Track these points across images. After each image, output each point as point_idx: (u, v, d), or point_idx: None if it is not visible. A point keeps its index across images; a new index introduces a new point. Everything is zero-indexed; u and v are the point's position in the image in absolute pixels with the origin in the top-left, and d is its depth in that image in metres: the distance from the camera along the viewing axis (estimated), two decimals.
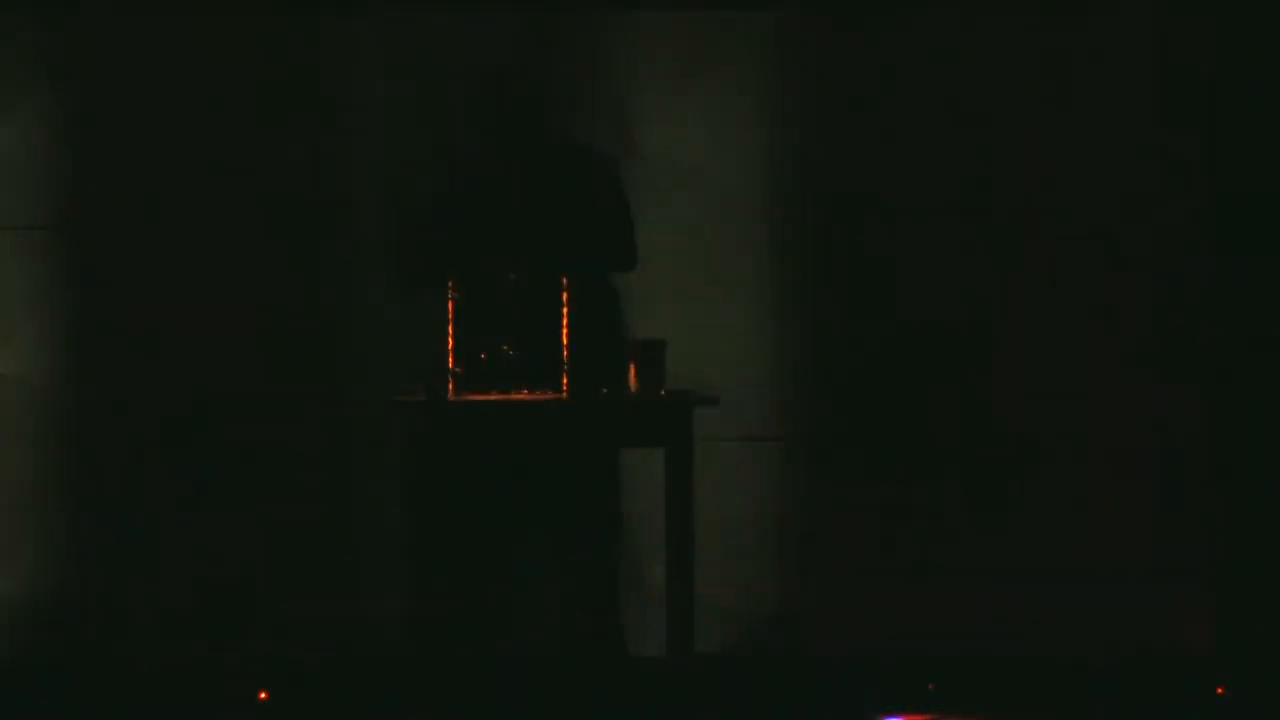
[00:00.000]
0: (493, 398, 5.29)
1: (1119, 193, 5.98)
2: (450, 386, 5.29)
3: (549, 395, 5.31)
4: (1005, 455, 5.97)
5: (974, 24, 5.95)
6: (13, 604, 5.88)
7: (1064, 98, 5.96)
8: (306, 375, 5.92)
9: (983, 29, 5.96)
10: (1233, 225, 5.95)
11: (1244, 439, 5.96)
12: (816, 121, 5.99)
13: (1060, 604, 5.93)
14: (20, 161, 5.91)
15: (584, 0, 5.96)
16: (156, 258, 5.92)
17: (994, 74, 5.96)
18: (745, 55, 5.98)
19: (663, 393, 5.35)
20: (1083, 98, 5.97)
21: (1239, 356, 5.96)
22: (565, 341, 5.33)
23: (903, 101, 5.95)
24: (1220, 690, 5.59)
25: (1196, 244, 5.98)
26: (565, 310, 5.33)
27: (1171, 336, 5.98)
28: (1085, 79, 5.97)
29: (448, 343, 5.30)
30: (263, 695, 5.11)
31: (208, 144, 5.92)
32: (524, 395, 5.31)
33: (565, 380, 5.32)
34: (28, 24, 5.86)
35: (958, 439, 5.97)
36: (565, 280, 5.34)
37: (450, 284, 5.30)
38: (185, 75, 5.83)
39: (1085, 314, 5.97)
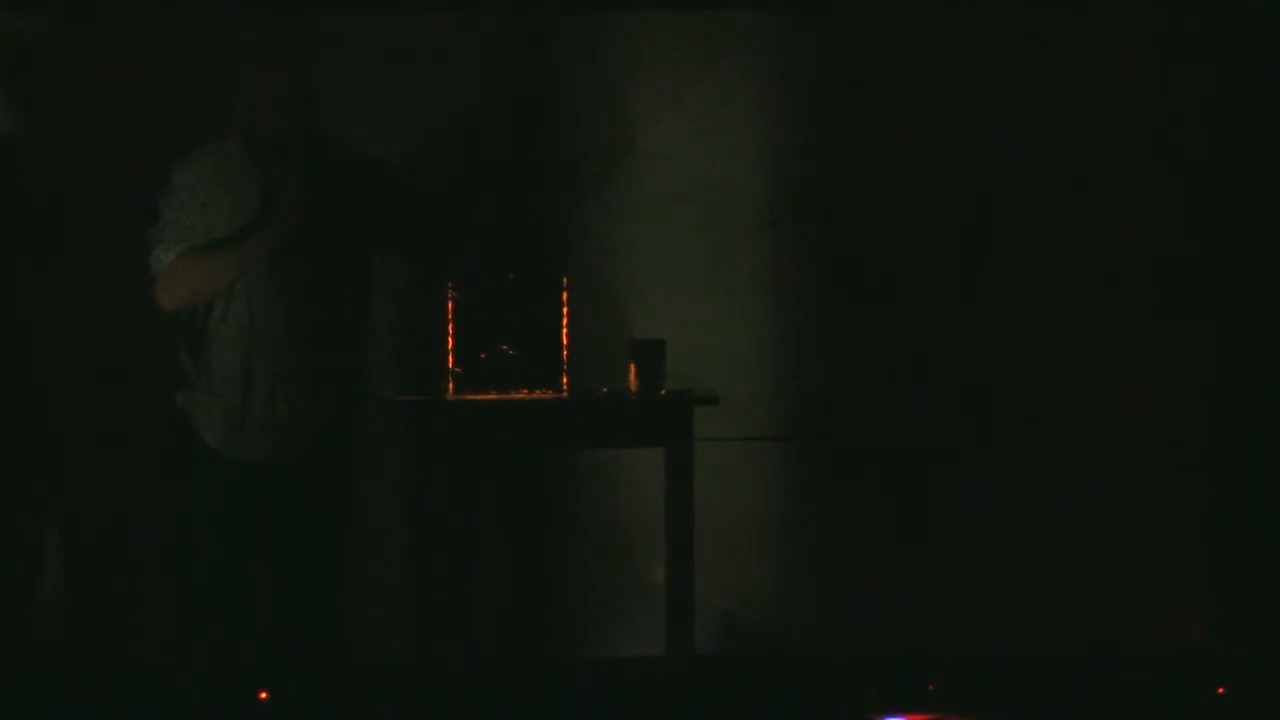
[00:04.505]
0: (493, 397, 5.30)
1: (1119, 192, 5.98)
2: (450, 386, 5.30)
3: (549, 395, 5.32)
4: (1005, 454, 5.97)
5: (974, 23, 5.96)
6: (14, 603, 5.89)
7: (1065, 97, 5.96)
8: None
9: (983, 28, 5.96)
10: (1233, 225, 5.96)
11: (1244, 439, 5.96)
12: (816, 121, 5.99)
13: (1060, 604, 5.93)
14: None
15: (584, 0, 5.96)
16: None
17: (995, 73, 5.96)
18: (745, 55, 5.98)
19: (663, 392, 5.36)
20: (1083, 96, 5.97)
21: (1239, 356, 5.96)
22: (565, 341, 5.33)
23: (903, 101, 5.95)
24: (1220, 690, 5.59)
25: (1197, 242, 5.98)
26: (565, 310, 5.34)
27: (1171, 336, 5.99)
28: (1086, 78, 5.97)
29: (447, 343, 5.32)
30: (263, 695, 5.10)
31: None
32: (523, 395, 5.32)
33: (565, 380, 5.33)
34: (27, 22, 5.87)
35: (958, 439, 5.97)
36: (565, 280, 5.35)
37: (450, 284, 5.32)
38: (185, 74, 5.81)
39: (1086, 313, 5.98)
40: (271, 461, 4.94)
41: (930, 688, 5.56)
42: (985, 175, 5.97)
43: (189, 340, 4.95)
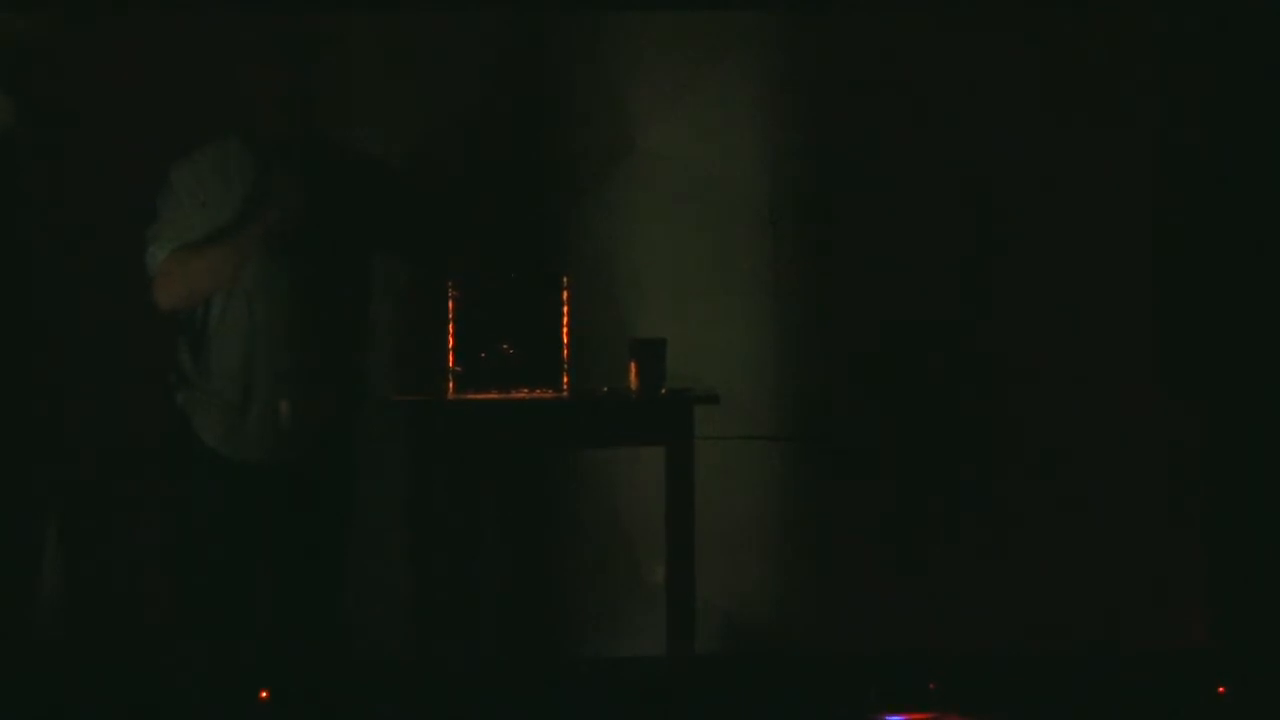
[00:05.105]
0: (493, 397, 5.30)
1: (1119, 191, 5.98)
2: (450, 386, 5.30)
3: (549, 394, 5.32)
4: (1006, 454, 5.97)
5: (974, 23, 5.96)
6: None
7: (1065, 97, 5.96)
8: None
9: (983, 28, 5.96)
10: (1233, 225, 5.96)
11: (1244, 439, 5.96)
12: (816, 121, 5.99)
13: (1060, 604, 5.93)
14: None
15: (584, 0, 5.96)
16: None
17: (995, 73, 5.96)
18: (745, 55, 5.98)
19: (663, 392, 5.36)
20: (1084, 96, 5.97)
21: (1239, 357, 5.96)
22: (565, 340, 5.33)
23: (903, 101, 5.95)
24: (1220, 690, 5.59)
25: (1197, 244, 5.98)
26: (565, 309, 5.34)
27: (1172, 336, 5.99)
28: (1087, 78, 5.97)
29: (448, 342, 5.32)
30: (263, 695, 5.11)
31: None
32: (524, 395, 5.32)
33: (565, 379, 5.33)
34: (27, 22, 5.87)
35: (958, 438, 5.97)
36: (565, 280, 5.35)
37: (450, 284, 5.32)
38: (185, 74, 5.81)
39: (1085, 313, 5.98)
40: (271, 461, 4.94)
41: (930, 687, 5.56)
42: (985, 175, 5.97)
43: (189, 340, 4.95)
